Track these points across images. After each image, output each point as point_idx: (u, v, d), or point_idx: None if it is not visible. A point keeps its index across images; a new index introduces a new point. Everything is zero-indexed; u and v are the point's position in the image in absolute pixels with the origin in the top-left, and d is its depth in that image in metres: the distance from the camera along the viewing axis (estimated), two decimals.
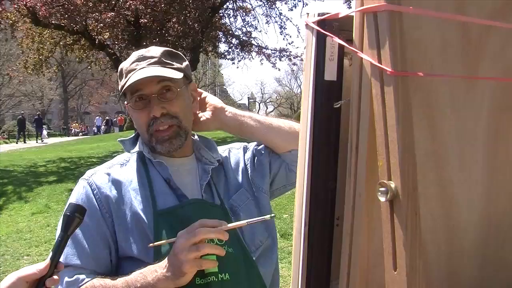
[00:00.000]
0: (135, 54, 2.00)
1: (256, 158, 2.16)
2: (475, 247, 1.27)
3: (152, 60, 1.95)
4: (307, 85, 1.21)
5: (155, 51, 1.99)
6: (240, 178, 2.11)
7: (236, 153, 2.19)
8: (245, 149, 2.21)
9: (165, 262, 1.68)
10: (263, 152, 2.16)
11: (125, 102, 2.05)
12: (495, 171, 1.27)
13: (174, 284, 1.66)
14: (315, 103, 1.20)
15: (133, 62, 1.97)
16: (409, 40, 1.06)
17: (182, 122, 1.95)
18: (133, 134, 2.09)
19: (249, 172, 2.13)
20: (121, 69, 2.01)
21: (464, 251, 1.24)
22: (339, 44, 1.17)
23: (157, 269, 1.69)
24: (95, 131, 52.99)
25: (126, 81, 1.91)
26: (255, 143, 2.21)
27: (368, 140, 1.09)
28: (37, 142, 37.70)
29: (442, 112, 1.16)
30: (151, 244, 1.74)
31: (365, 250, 1.13)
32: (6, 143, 36.25)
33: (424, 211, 1.05)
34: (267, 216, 1.65)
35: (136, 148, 2.01)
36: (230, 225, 1.69)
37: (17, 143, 36.83)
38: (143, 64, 1.94)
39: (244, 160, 2.16)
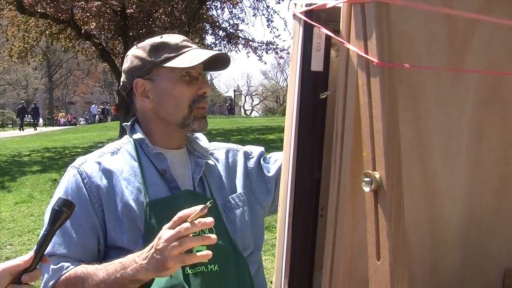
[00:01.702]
0: (177, 36, 2.03)
1: (263, 172, 2.15)
2: (458, 239, 1.28)
3: (198, 45, 2.01)
4: (294, 75, 1.21)
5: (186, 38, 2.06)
6: (238, 181, 2.09)
7: (235, 155, 2.17)
8: (247, 155, 2.19)
9: (145, 253, 1.65)
10: (271, 169, 2.15)
11: (139, 78, 1.99)
12: (478, 164, 1.28)
13: (155, 276, 1.65)
14: (301, 93, 1.20)
15: (184, 41, 1.99)
16: (395, 32, 1.06)
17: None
18: (130, 122, 2.06)
19: (252, 181, 2.12)
20: (162, 43, 1.97)
21: (447, 242, 1.26)
22: (326, 34, 1.18)
23: (136, 260, 1.66)
24: (90, 120, 52.85)
25: (182, 53, 1.94)
26: (259, 152, 2.21)
27: (353, 131, 1.09)
28: (35, 130, 38.56)
29: (427, 105, 1.17)
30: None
31: (349, 240, 1.14)
32: None
33: (407, 203, 1.06)
34: (208, 203, 1.63)
35: (138, 136, 1.98)
36: (193, 214, 1.63)
37: (21, 130, 37.89)
38: (195, 46, 2.00)
39: (247, 167, 2.15)
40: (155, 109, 1.97)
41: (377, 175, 0.99)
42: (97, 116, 50.19)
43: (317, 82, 1.21)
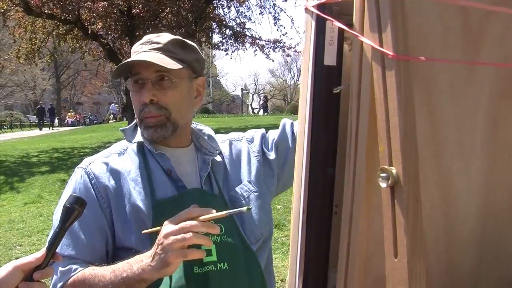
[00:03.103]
0: (145, 37, 1.99)
1: (264, 154, 2.15)
2: (474, 235, 1.26)
3: (156, 46, 1.92)
4: (306, 70, 1.20)
5: (164, 38, 1.96)
6: (243, 170, 2.08)
7: (237, 145, 2.16)
8: (249, 141, 2.18)
9: (151, 251, 1.65)
10: (271, 151, 2.15)
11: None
12: (494, 160, 1.26)
13: (159, 275, 1.64)
14: (314, 89, 1.18)
15: (140, 44, 1.95)
16: (410, 25, 1.05)
17: (172, 115, 1.91)
18: (132, 123, 2.06)
19: (258, 166, 2.11)
20: (132, 49, 1.99)
21: (462, 239, 1.24)
22: (339, 28, 1.16)
23: (143, 259, 1.66)
24: (97, 120, 53.37)
25: (126, 61, 1.90)
26: (260, 135, 2.20)
27: (368, 126, 1.07)
28: (51, 129, 40.43)
29: (442, 99, 1.15)
30: (144, 231, 1.72)
31: (364, 237, 1.12)
32: None
33: (423, 199, 1.04)
34: (244, 208, 1.61)
35: (137, 138, 1.98)
36: (211, 215, 1.64)
37: (40, 130, 39.68)
38: (145, 48, 1.92)
39: (250, 152, 2.14)
40: None
41: (394, 170, 0.97)
42: (112, 115, 50.60)
43: (330, 76, 1.20)
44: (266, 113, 46.17)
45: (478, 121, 1.23)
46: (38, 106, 47.06)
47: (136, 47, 1.95)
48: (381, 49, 1.00)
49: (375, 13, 1.03)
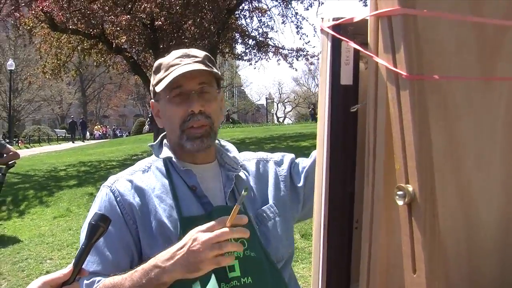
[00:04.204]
0: (177, 52, 2.01)
1: (292, 179, 2.14)
2: (496, 246, 1.26)
3: (196, 59, 1.95)
4: (324, 90, 1.22)
5: (198, 52, 2.00)
6: (270, 192, 2.08)
7: (265, 165, 2.16)
8: (277, 164, 2.18)
9: (170, 254, 1.67)
10: (299, 178, 2.14)
11: (152, 100, 2.05)
12: None
13: (183, 276, 1.66)
14: (331, 108, 1.20)
15: (176, 58, 1.97)
16: (424, 40, 1.06)
17: (214, 124, 1.95)
18: (158, 139, 2.08)
19: (284, 190, 2.11)
20: (160, 64, 1.99)
21: (484, 250, 1.24)
22: (354, 48, 1.18)
23: (158, 263, 1.69)
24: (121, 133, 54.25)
25: (168, 74, 1.92)
26: (290, 159, 2.20)
27: (385, 144, 1.09)
28: (84, 141, 43.21)
29: (459, 113, 1.16)
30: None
31: (384, 252, 1.14)
32: (27, 147, 36.60)
33: (443, 211, 1.06)
34: (244, 193, 1.64)
35: (165, 154, 2.00)
36: (231, 216, 1.64)
37: (73, 142, 42.20)
38: (188, 61, 1.95)
39: (278, 176, 2.13)
40: (165, 129, 2.03)
41: (410, 188, 0.99)
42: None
43: (347, 96, 1.22)
44: (313, 121, 46.06)
45: (496, 133, 1.23)
46: (70, 120, 49.41)
47: (173, 60, 1.96)
48: (395, 69, 1.02)
49: (388, 32, 1.05)
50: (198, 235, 1.64)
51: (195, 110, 1.90)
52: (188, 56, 1.97)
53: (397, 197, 1.01)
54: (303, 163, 2.17)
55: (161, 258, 1.70)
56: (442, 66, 1.11)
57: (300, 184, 2.12)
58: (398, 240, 1.06)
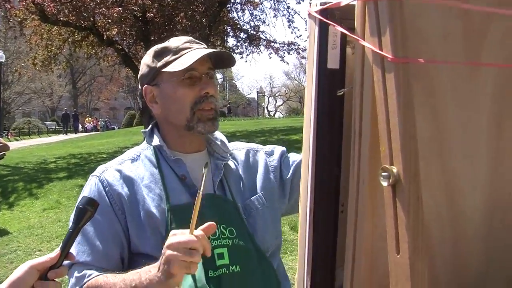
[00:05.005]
0: (180, 38, 2.02)
1: (281, 171, 2.16)
2: (480, 233, 1.27)
3: (203, 46, 1.99)
4: (311, 74, 1.23)
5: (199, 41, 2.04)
6: (259, 182, 2.09)
7: (255, 155, 2.18)
8: (268, 154, 2.19)
9: (159, 262, 1.65)
10: (288, 172, 2.15)
11: (146, 85, 2.03)
12: (499, 158, 1.28)
13: (166, 286, 1.62)
14: (318, 91, 1.21)
15: (185, 42, 1.98)
16: (410, 28, 1.07)
17: (217, 108, 1.98)
18: (149, 127, 2.08)
19: (274, 180, 2.12)
20: (165, 47, 1.99)
21: (469, 237, 1.25)
22: (341, 32, 1.19)
23: (151, 269, 1.67)
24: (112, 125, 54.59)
25: (181, 56, 1.93)
26: (280, 151, 2.21)
27: (371, 127, 1.10)
28: (76, 134, 44.52)
29: (445, 100, 1.17)
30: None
31: (369, 235, 1.15)
32: (17, 140, 36.48)
33: (427, 198, 1.07)
34: (204, 170, 1.64)
35: (156, 142, 2.00)
36: (194, 214, 1.61)
37: (66, 134, 43.06)
38: (199, 46, 1.98)
39: (268, 166, 2.15)
40: (163, 114, 2.00)
41: (394, 169, 1.00)
42: None
43: (334, 79, 1.22)
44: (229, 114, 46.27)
45: (482, 120, 1.24)
46: (63, 112, 50.93)
47: (182, 45, 1.97)
48: (380, 52, 1.03)
49: (375, 17, 1.06)
50: (171, 237, 1.62)
51: (209, 92, 1.92)
52: (195, 42, 2.00)
53: (381, 178, 1.02)
54: (294, 157, 2.18)
55: (155, 265, 1.68)
56: (427, 53, 1.12)
57: (288, 177, 2.13)
58: (383, 224, 1.07)
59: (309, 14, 1.22)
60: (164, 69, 1.95)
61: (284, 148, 2.24)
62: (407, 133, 1.00)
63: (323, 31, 1.21)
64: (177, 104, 1.95)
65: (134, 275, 1.71)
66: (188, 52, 1.93)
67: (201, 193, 1.63)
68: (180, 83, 1.93)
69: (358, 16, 1.13)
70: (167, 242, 1.61)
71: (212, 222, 1.64)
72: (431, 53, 1.13)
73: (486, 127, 1.25)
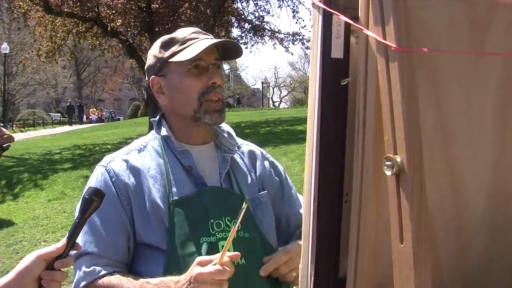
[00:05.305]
0: (187, 29, 2.03)
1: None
2: (483, 223, 1.28)
3: (210, 36, 1.99)
4: (314, 63, 1.22)
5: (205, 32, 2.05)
6: (267, 181, 2.12)
7: (265, 156, 2.20)
8: (272, 164, 2.21)
9: (182, 280, 1.69)
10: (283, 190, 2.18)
11: (153, 76, 2.03)
12: (503, 147, 1.28)
13: None
14: (322, 81, 1.21)
15: (192, 33, 1.98)
16: (414, 19, 1.07)
17: (224, 99, 1.99)
18: (157, 117, 2.08)
19: (275, 185, 2.15)
20: (172, 38, 2.00)
21: (472, 226, 1.26)
22: (345, 22, 1.18)
23: (171, 285, 1.71)
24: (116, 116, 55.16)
25: (188, 46, 1.93)
26: (281, 168, 2.23)
27: (374, 116, 1.10)
28: (81, 124, 45.15)
29: (449, 89, 1.16)
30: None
31: (373, 225, 1.15)
32: (22, 131, 36.54)
33: (431, 187, 1.07)
34: (244, 206, 1.65)
35: (164, 132, 2.00)
36: (228, 241, 1.66)
37: (70, 125, 43.40)
38: (206, 36, 1.98)
39: (271, 171, 2.17)
40: (170, 104, 2.00)
41: (398, 158, 1.00)
42: None
43: (338, 69, 1.22)
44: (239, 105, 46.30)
45: (487, 109, 1.24)
46: (68, 104, 51.49)
47: (189, 35, 1.98)
48: (384, 41, 1.03)
49: (378, 7, 1.05)
50: (202, 266, 1.66)
51: (217, 82, 1.92)
52: (202, 33, 2.01)
53: (385, 167, 1.02)
54: (291, 198, 2.20)
55: (173, 279, 1.72)
56: (431, 43, 1.12)
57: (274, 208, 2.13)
58: (387, 214, 1.07)
59: (313, 4, 1.22)
60: (171, 59, 1.95)
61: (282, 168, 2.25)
62: (411, 122, 1.00)
63: (327, 20, 1.20)
64: (184, 95, 1.95)
65: (151, 286, 1.74)
66: (195, 42, 1.93)
67: (236, 227, 1.66)
68: (187, 73, 1.93)
69: (362, 6, 1.13)
70: (196, 270, 1.65)
71: (238, 253, 1.71)
72: (435, 42, 1.13)
73: (491, 115, 1.25)
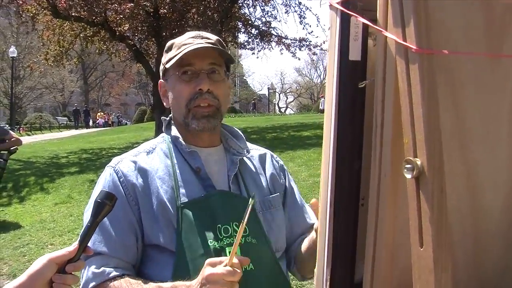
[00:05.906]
0: (190, 33, 2.03)
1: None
2: (501, 228, 1.26)
3: (209, 41, 1.97)
4: (332, 66, 1.22)
5: (211, 35, 2.03)
6: (277, 184, 2.11)
7: (276, 160, 2.20)
8: (281, 167, 2.20)
9: (193, 286, 1.66)
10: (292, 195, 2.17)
11: (161, 80, 2.07)
12: None
13: None
14: (339, 83, 1.20)
15: (189, 38, 1.98)
16: (433, 21, 1.06)
17: (222, 107, 1.96)
18: (168, 118, 2.08)
19: (287, 188, 2.15)
20: (172, 43, 2.02)
21: (489, 231, 1.24)
22: (363, 24, 1.18)
23: None
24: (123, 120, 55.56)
25: (180, 52, 1.92)
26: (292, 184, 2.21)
27: (393, 119, 1.09)
28: (88, 128, 46.03)
29: (467, 92, 1.16)
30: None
31: (390, 228, 1.14)
32: (29, 135, 36.63)
33: (449, 191, 1.06)
34: (250, 201, 1.64)
35: (174, 133, 2.00)
36: (236, 242, 1.64)
37: (76, 129, 44.21)
38: (201, 41, 1.96)
39: (284, 176, 2.17)
40: (171, 109, 2.03)
41: (418, 161, 0.99)
42: None
43: (355, 71, 1.21)
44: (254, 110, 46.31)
45: (504, 112, 1.23)
46: (74, 108, 53.25)
47: (186, 40, 1.98)
48: (404, 43, 1.02)
49: (398, 8, 1.05)
50: (213, 267, 1.63)
51: (203, 89, 1.90)
52: (201, 37, 1.99)
53: (405, 170, 1.01)
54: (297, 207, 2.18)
55: (185, 284, 1.70)
56: (450, 45, 1.11)
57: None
58: (404, 217, 1.06)
59: (331, 6, 1.22)
60: (167, 65, 1.98)
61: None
62: (432, 125, 0.99)
63: (345, 22, 1.20)
64: (176, 100, 1.98)
65: None
66: (187, 47, 1.93)
67: (244, 225, 1.63)
68: (178, 79, 1.95)
69: (380, 7, 1.13)
70: (206, 272, 1.63)
71: (247, 258, 1.67)
72: (453, 44, 1.12)
73: (508, 119, 1.24)
